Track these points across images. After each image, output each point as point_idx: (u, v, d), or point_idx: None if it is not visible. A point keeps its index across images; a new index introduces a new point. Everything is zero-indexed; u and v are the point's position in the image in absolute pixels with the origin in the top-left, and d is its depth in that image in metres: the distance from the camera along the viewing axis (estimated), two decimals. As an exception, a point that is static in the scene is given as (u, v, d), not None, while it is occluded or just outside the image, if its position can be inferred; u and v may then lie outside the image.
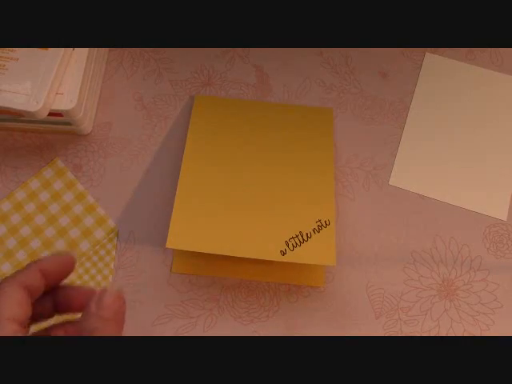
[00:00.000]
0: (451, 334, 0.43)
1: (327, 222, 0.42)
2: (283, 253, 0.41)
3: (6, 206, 0.47)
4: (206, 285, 0.44)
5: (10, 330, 0.28)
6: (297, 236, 0.41)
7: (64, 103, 0.43)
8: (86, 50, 0.45)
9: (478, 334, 0.43)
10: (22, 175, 0.47)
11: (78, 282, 0.44)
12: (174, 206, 0.42)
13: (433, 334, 0.43)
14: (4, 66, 0.42)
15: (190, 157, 0.44)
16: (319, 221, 0.42)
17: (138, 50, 0.52)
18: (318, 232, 0.42)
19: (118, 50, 0.52)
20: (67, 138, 0.49)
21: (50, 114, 0.43)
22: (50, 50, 0.42)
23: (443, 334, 0.43)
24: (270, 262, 0.43)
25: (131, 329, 0.43)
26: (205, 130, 0.45)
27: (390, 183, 0.48)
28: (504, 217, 0.46)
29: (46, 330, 0.31)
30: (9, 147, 0.49)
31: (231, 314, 0.43)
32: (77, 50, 0.44)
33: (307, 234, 0.41)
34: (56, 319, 0.31)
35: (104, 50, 0.51)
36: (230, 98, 0.48)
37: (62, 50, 0.43)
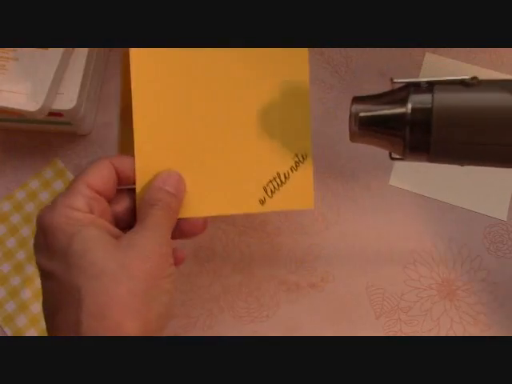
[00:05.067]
0: (451, 333, 0.43)
1: (304, 156, 0.39)
2: (262, 202, 0.37)
3: (6, 206, 0.47)
4: (206, 285, 0.44)
5: (84, 193, 0.30)
6: (274, 179, 0.38)
7: (64, 103, 0.43)
8: (85, 49, 0.45)
9: (477, 333, 0.43)
10: (22, 175, 0.47)
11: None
12: (136, 166, 0.34)
13: (433, 333, 0.43)
14: (4, 66, 0.42)
15: (141, 115, 0.34)
16: (296, 155, 0.39)
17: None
18: (296, 170, 0.38)
19: (119, 49, 0.52)
20: (67, 138, 0.49)
21: (50, 114, 0.43)
22: (50, 49, 0.42)
23: (443, 334, 0.43)
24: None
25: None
26: (154, 88, 0.34)
27: (391, 183, 0.48)
28: (504, 217, 0.46)
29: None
30: (9, 147, 0.49)
31: (231, 313, 0.43)
32: (77, 49, 0.44)
33: (285, 175, 0.38)
34: None
35: (104, 50, 0.50)
36: (177, 49, 0.34)
37: (62, 49, 0.43)
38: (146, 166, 0.33)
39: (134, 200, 0.33)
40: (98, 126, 0.49)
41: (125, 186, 0.32)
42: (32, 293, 0.44)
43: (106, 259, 0.28)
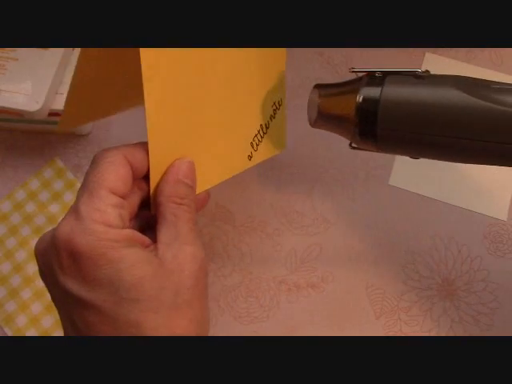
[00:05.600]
0: (451, 334, 0.43)
1: (280, 102, 0.40)
2: (250, 157, 0.38)
3: (6, 206, 0.47)
4: (206, 285, 0.44)
5: (113, 203, 0.27)
6: (259, 132, 0.38)
7: (64, 103, 0.43)
8: (85, 49, 0.45)
9: (478, 334, 0.43)
10: (21, 175, 0.47)
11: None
12: (150, 157, 0.31)
13: (433, 334, 0.43)
14: (4, 66, 0.42)
15: (152, 108, 0.32)
16: (274, 103, 0.39)
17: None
18: (274, 117, 0.39)
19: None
20: (67, 138, 0.49)
21: (50, 114, 0.43)
22: (50, 49, 0.42)
23: (443, 334, 0.43)
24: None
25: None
26: (160, 82, 0.32)
27: (390, 183, 0.48)
28: (504, 217, 0.46)
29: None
30: (9, 147, 0.49)
31: (231, 313, 0.43)
32: (77, 49, 0.44)
33: (266, 125, 0.39)
34: None
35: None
36: (177, 48, 0.32)
37: (62, 49, 0.43)
38: (158, 157, 0.32)
39: (143, 190, 0.31)
40: (98, 126, 0.49)
41: (134, 179, 0.30)
42: (32, 293, 0.44)
43: (162, 289, 0.26)
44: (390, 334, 0.43)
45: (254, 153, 0.38)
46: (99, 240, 0.26)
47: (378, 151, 0.34)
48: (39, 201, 0.47)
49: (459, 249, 0.45)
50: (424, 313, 0.43)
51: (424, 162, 0.49)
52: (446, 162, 0.38)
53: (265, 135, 0.39)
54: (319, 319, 0.43)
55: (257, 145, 0.38)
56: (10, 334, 0.43)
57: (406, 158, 0.36)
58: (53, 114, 0.44)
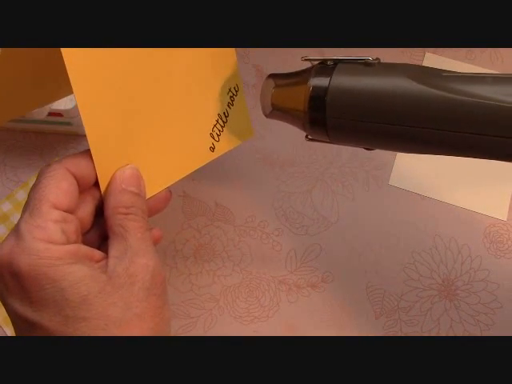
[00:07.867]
0: (451, 334, 0.43)
1: (236, 88, 0.39)
2: (212, 149, 0.37)
3: (6, 206, 0.47)
4: (206, 285, 0.44)
5: (54, 218, 0.26)
6: (217, 121, 0.38)
7: (64, 103, 0.43)
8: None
9: (478, 334, 0.43)
10: (21, 175, 0.47)
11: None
12: (96, 167, 0.30)
13: (433, 334, 0.43)
14: (4, 65, 0.42)
15: (88, 114, 0.30)
16: (230, 90, 0.38)
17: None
18: (232, 104, 0.38)
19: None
20: (67, 138, 0.49)
21: (50, 114, 0.43)
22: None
23: (443, 334, 0.43)
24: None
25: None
26: (92, 85, 0.30)
27: (390, 183, 0.48)
28: (504, 217, 0.46)
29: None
30: (9, 147, 0.49)
31: (231, 314, 0.43)
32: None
33: (225, 114, 0.38)
34: None
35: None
36: (112, 48, 0.31)
37: (62, 49, 0.43)
38: (104, 164, 0.30)
39: (97, 198, 0.30)
40: (98, 125, 0.49)
41: (84, 189, 0.29)
42: (32, 293, 0.44)
43: (110, 305, 0.25)
44: (390, 334, 0.43)
45: (216, 144, 0.37)
46: (40, 258, 0.25)
47: (331, 142, 0.33)
48: (39, 201, 0.47)
49: (459, 249, 0.45)
50: (424, 313, 0.43)
51: (424, 162, 0.50)
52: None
53: (225, 124, 0.38)
54: (319, 319, 0.43)
55: (218, 135, 0.37)
56: (9, 334, 0.43)
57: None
58: (53, 114, 0.44)
